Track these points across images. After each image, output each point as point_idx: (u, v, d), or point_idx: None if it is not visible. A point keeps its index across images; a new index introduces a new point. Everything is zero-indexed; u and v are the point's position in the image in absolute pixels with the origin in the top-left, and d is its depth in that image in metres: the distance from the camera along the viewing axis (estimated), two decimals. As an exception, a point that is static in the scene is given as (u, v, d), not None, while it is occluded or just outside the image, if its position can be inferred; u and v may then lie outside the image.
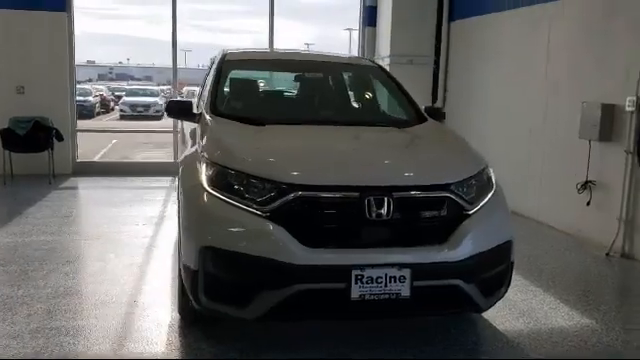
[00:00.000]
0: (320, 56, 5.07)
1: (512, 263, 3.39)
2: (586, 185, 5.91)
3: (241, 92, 4.61)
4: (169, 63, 9.33)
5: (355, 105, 4.69)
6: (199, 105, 4.27)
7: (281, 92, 4.61)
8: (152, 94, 28.14)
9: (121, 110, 26.01)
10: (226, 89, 4.39)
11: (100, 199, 7.62)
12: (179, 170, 3.68)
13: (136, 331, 3.54)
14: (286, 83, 4.70)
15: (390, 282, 2.93)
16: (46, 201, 7.05)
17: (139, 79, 63.28)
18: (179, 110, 4.20)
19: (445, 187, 3.15)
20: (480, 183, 3.35)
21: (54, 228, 5.83)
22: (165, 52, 9.06)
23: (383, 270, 2.92)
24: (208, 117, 3.85)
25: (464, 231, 3.10)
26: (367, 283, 2.91)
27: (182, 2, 9.01)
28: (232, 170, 3.12)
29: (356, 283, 2.90)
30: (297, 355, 3.31)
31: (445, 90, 9.06)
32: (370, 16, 9.52)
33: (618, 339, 3.67)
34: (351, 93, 4.73)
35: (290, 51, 5.07)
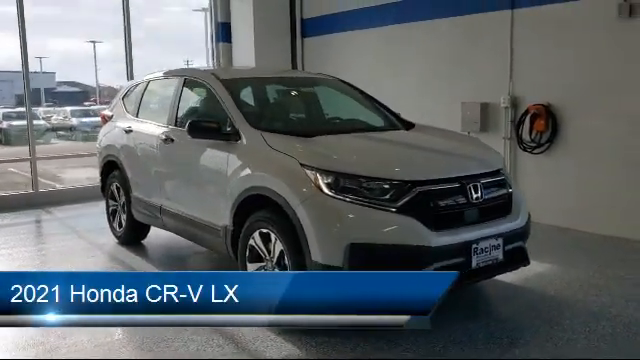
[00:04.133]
0: (295, 72, 5.49)
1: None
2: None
3: (257, 108, 4.80)
4: None
5: (353, 115, 5.20)
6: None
7: (289, 107, 4.94)
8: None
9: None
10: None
11: None
12: (279, 184, 3.76)
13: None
14: (277, 99, 5.02)
15: (492, 250, 3.73)
16: None
17: None
18: (208, 130, 4.28)
19: (499, 171, 4.05)
20: (504, 168, 4.31)
21: None
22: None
23: (488, 241, 3.71)
24: (258, 134, 4.05)
25: (517, 205, 4.06)
26: (480, 254, 3.67)
27: None
28: (354, 175, 3.57)
29: (474, 255, 3.62)
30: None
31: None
32: (224, 32, 9.83)
33: (578, 269, 4.98)
34: (340, 105, 5.25)
35: (262, 68, 5.37)
